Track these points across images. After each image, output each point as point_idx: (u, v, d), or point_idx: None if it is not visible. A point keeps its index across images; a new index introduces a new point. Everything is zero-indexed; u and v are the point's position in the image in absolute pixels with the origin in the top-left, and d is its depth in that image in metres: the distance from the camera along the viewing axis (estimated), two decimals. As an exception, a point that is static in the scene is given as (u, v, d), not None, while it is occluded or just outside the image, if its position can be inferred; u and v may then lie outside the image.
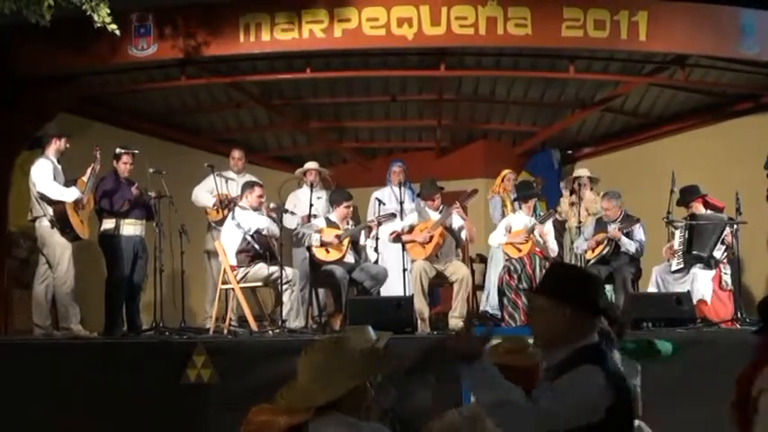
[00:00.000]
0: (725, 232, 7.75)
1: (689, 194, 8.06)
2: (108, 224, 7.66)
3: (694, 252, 7.82)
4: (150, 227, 7.79)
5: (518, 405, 2.47)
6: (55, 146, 7.40)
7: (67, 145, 7.48)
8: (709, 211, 8.04)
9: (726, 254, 7.80)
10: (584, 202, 8.84)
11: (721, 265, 7.81)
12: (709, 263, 7.79)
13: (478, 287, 8.98)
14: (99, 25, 6.87)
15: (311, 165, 8.81)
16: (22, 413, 6.18)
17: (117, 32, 7.05)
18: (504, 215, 8.85)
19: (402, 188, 8.50)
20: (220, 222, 8.21)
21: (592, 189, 8.99)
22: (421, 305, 7.45)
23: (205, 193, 8.40)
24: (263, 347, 6.58)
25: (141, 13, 7.96)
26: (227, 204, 8.20)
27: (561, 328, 2.61)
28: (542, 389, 2.57)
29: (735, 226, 7.73)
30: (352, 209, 8.10)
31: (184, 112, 10.48)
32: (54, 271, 7.28)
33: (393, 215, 8.21)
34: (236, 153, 8.78)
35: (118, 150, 7.80)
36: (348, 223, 8.03)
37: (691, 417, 5.62)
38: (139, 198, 7.69)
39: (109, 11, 6.83)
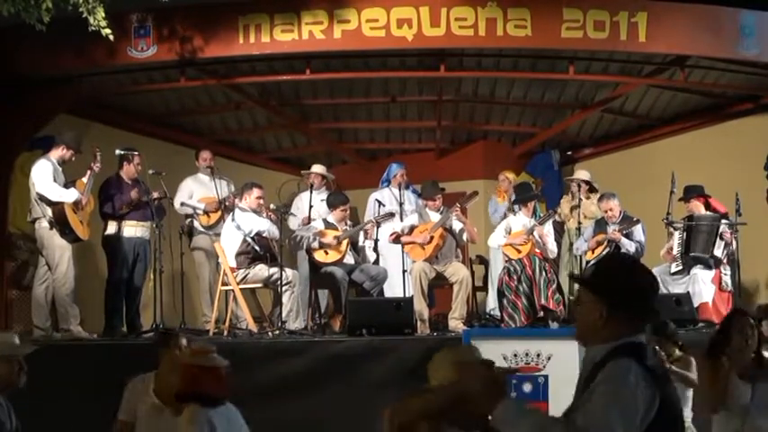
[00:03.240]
0: (720, 229, 7.75)
1: (690, 192, 8.07)
2: (111, 227, 7.66)
3: (692, 254, 7.83)
4: (152, 228, 7.79)
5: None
6: (61, 152, 7.40)
7: (72, 159, 7.47)
8: (708, 213, 8.04)
9: (725, 251, 7.81)
10: (583, 206, 8.83)
11: (721, 266, 7.82)
12: (709, 263, 7.79)
13: (478, 288, 8.98)
14: (94, 28, 6.87)
15: (317, 168, 8.81)
16: (21, 414, 6.16)
17: (111, 37, 7.05)
18: (504, 216, 8.86)
19: (401, 190, 8.50)
20: (211, 227, 8.21)
21: (588, 198, 8.96)
22: (420, 306, 7.45)
23: (190, 200, 8.36)
24: (263, 349, 6.59)
25: (141, 15, 7.95)
26: (217, 208, 8.19)
27: (596, 325, 2.43)
28: (579, 403, 2.40)
29: (731, 222, 7.75)
30: (349, 211, 8.10)
31: (184, 113, 10.47)
32: (54, 272, 7.27)
33: (392, 215, 8.21)
34: (206, 154, 8.61)
35: (123, 152, 7.79)
36: (346, 224, 8.03)
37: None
38: (139, 201, 7.68)
39: (104, 15, 6.82)
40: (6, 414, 3.77)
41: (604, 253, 8.06)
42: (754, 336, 4.22)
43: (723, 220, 7.83)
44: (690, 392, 5.21)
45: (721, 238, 7.77)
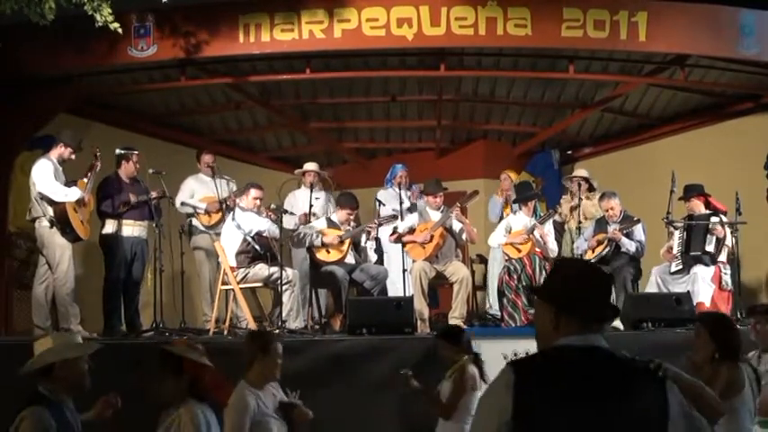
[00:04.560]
0: (711, 225, 7.75)
1: (690, 190, 8.07)
2: (109, 226, 7.67)
3: (692, 253, 7.83)
4: (151, 228, 7.79)
5: None
6: (60, 151, 7.40)
7: (72, 156, 7.47)
8: (707, 212, 8.04)
9: (718, 248, 7.80)
10: (583, 206, 8.82)
11: (721, 265, 7.82)
12: (704, 260, 7.79)
13: (478, 287, 8.99)
14: (100, 25, 6.88)
15: (310, 166, 8.79)
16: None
17: (119, 30, 7.06)
18: (503, 216, 8.86)
19: (400, 189, 8.50)
20: (212, 227, 8.21)
21: (589, 199, 8.96)
22: (421, 306, 7.45)
23: (191, 200, 8.37)
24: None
25: (141, 14, 7.96)
26: (219, 208, 8.20)
27: (548, 329, 2.46)
28: None
29: (722, 219, 7.75)
30: (354, 215, 8.10)
31: (184, 112, 10.48)
32: (54, 271, 7.27)
33: (394, 217, 8.22)
34: (207, 157, 8.57)
35: (122, 151, 7.80)
36: (349, 225, 8.03)
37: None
38: (137, 202, 7.68)
39: (111, 10, 6.84)
40: (75, 418, 3.65)
41: (605, 252, 8.07)
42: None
43: (713, 218, 7.83)
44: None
45: (711, 234, 7.77)
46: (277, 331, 7.00)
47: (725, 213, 8.04)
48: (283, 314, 7.23)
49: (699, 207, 8.06)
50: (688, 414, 2.54)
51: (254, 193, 7.75)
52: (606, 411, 2.32)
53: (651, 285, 8.05)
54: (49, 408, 3.47)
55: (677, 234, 8.01)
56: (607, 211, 8.20)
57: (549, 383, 2.35)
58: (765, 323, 4.87)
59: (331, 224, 7.96)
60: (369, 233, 7.98)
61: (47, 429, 3.40)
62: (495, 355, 5.95)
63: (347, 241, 7.81)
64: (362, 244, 8.05)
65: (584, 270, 2.59)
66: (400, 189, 8.51)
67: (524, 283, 7.68)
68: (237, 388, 4.17)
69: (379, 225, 8.06)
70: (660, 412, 2.36)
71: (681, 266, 7.92)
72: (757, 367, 4.42)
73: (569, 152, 11.31)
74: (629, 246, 7.98)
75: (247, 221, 7.57)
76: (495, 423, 2.32)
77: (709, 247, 7.77)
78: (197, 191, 8.37)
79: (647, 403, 2.35)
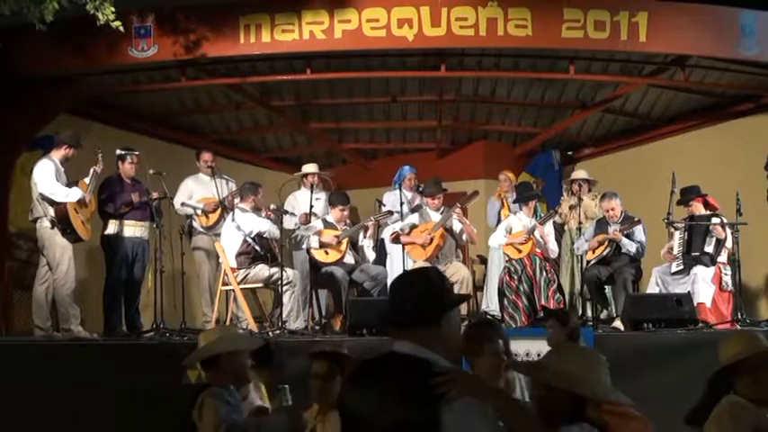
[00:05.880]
0: (711, 226, 7.75)
1: (689, 193, 8.07)
2: (111, 227, 7.67)
3: (693, 253, 7.83)
4: (152, 228, 7.79)
5: None
6: (63, 152, 7.40)
7: (74, 154, 7.48)
8: (708, 212, 8.04)
9: (718, 249, 7.80)
10: (584, 206, 8.82)
11: (721, 266, 7.81)
12: (704, 260, 7.79)
13: (479, 288, 8.99)
14: (102, 23, 6.88)
15: (310, 168, 8.79)
16: (22, 414, 6.17)
17: (121, 29, 7.06)
18: (500, 217, 8.86)
19: (402, 192, 8.49)
20: (210, 228, 8.21)
21: (590, 191, 8.98)
22: (421, 306, 7.43)
23: (190, 200, 8.36)
24: (264, 349, 6.56)
25: (141, 15, 7.95)
26: (215, 208, 8.19)
27: None
28: None
29: (723, 220, 7.74)
30: (347, 212, 8.09)
31: (184, 113, 10.47)
32: (54, 272, 7.26)
33: (390, 213, 8.21)
34: (207, 155, 8.53)
35: (120, 152, 7.81)
36: (346, 224, 8.03)
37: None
38: (139, 203, 7.68)
39: (113, 9, 6.84)
40: (240, 405, 3.78)
41: (605, 253, 8.06)
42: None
43: (714, 219, 7.83)
44: None
45: (711, 235, 7.77)
46: (278, 332, 7.02)
47: (717, 212, 8.06)
48: (284, 315, 7.23)
49: (699, 209, 8.06)
50: None
51: (251, 196, 7.79)
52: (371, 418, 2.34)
53: (651, 286, 8.05)
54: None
55: (677, 235, 8.01)
56: (608, 211, 8.19)
57: (351, 384, 2.53)
58: None
59: (328, 225, 7.95)
60: (366, 230, 7.98)
61: (228, 402, 3.56)
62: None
63: (345, 241, 7.81)
64: (360, 242, 8.05)
65: (401, 285, 2.56)
66: (401, 191, 8.47)
67: (525, 284, 7.68)
68: None
69: (377, 222, 8.05)
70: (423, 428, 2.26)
71: (681, 267, 7.92)
72: None
73: (570, 153, 11.30)
74: (630, 246, 7.97)
75: (247, 222, 7.58)
76: None
77: (709, 248, 7.77)
78: (195, 192, 8.36)
79: (409, 416, 2.28)
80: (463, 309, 7.66)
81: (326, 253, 7.78)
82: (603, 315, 8.36)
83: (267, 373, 4.42)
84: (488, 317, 8.39)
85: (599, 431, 2.64)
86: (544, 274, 7.71)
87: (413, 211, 8.41)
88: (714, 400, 3.18)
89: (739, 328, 7.11)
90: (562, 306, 7.66)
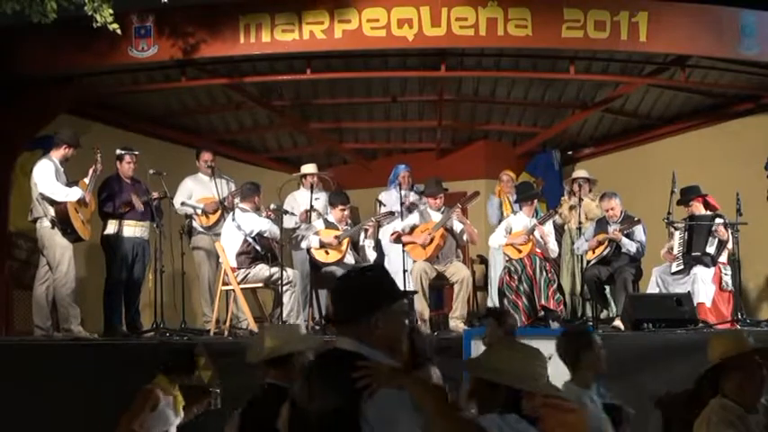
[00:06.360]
0: (713, 227, 7.75)
1: (689, 193, 8.07)
2: (110, 226, 7.67)
3: (694, 253, 7.82)
4: (152, 228, 7.79)
5: None
6: (63, 152, 7.40)
7: (73, 153, 7.48)
8: (708, 212, 8.04)
9: (720, 250, 7.80)
10: (584, 206, 8.82)
11: (721, 266, 7.81)
12: (705, 261, 7.78)
13: (479, 288, 8.98)
14: (99, 25, 6.88)
15: (308, 168, 8.78)
16: (22, 414, 6.17)
17: (118, 31, 7.06)
18: (502, 216, 8.85)
19: (400, 190, 8.49)
20: (210, 228, 8.21)
21: (591, 191, 8.97)
22: (421, 306, 7.45)
23: (189, 200, 8.35)
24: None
25: (141, 15, 7.95)
26: (216, 208, 8.19)
27: None
28: None
29: (725, 221, 7.74)
30: (348, 211, 8.09)
31: (184, 113, 10.47)
32: (54, 272, 7.27)
33: (392, 213, 8.21)
34: (207, 155, 8.50)
35: (119, 152, 7.82)
36: (346, 224, 8.03)
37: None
38: (138, 203, 7.68)
39: (111, 11, 6.84)
40: None
41: (605, 253, 8.06)
42: None
43: (717, 219, 7.83)
44: None
45: (713, 236, 7.76)
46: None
47: (718, 213, 8.05)
48: (284, 314, 7.23)
49: (699, 209, 8.05)
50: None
51: (250, 198, 7.79)
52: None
53: (652, 286, 8.04)
54: None
55: (678, 234, 8.01)
56: (608, 211, 8.19)
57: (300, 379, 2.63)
58: None
59: (329, 225, 7.95)
60: (366, 231, 7.98)
61: None
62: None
63: (345, 241, 7.81)
64: (361, 242, 8.05)
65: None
66: (401, 189, 8.48)
67: (525, 284, 7.68)
68: None
69: (378, 223, 8.05)
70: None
71: (681, 267, 7.91)
72: None
73: (570, 153, 11.30)
74: (630, 246, 7.97)
75: (248, 222, 7.58)
76: None
77: (711, 249, 7.76)
78: (194, 191, 8.35)
79: (336, 409, 2.40)
80: (464, 309, 7.65)
81: (327, 253, 7.78)
82: (603, 315, 8.36)
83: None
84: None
85: (531, 422, 2.74)
86: (544, 274, 7.71)
87: (409, 209, 8.41)
88: (698, 396, 3.25)
89: (739, 328, 7.10)
90: (561, 307, 7.66)
